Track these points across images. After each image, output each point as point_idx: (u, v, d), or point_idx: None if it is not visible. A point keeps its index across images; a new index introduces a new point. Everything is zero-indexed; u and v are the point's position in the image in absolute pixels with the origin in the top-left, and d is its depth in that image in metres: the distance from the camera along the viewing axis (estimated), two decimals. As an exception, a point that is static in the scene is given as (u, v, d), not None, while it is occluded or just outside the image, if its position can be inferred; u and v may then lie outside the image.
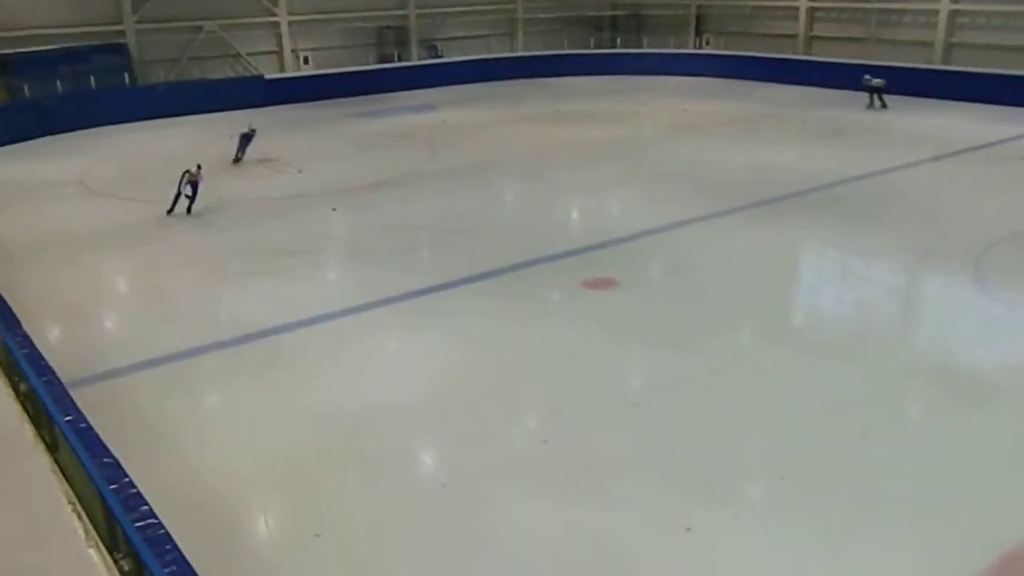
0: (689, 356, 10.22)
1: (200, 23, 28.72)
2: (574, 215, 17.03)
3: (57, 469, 6.95)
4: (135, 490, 5.99)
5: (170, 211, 16.05)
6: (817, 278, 13.75)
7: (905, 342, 11.05)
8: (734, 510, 7.42)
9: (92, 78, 26.35)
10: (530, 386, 9.63)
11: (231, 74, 29.65)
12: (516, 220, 16.54)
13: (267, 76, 29.38)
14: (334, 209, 16.55)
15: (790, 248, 14.48)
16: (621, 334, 10.81)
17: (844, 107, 25.83)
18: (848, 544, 6.86)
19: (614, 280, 12.60)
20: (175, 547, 5.41)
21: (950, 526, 7.09)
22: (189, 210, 16.08)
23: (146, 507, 5.80)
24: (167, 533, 5.55)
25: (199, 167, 16.26)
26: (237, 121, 21.96)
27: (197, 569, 5.27)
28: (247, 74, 29.66)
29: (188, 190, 16.01)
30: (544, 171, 19.65)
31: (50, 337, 10.82)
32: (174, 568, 5.20)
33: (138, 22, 27.63)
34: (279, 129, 24.15)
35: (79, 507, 6.35)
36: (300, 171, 19.64)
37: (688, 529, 7.06)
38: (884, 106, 25.62)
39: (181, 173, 16.02)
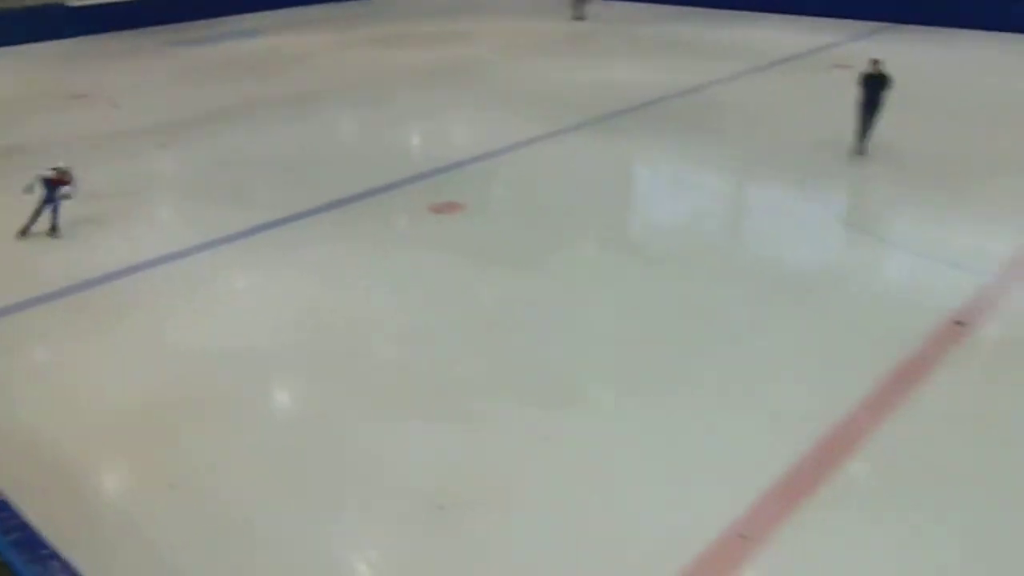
0: (538, 273, 10.47)
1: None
2: (417, 140, 16.80)
3: None
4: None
5: (24, 232, 11.47)
6: (656, 190, 14.39)
7: (737, 247, 11.76)
8: (590, 416, 7.77)
9: None
10: (384, 315, 9.59)
11: (28, 3, 26.84)
12: (358, 148, 16.18)
13: (69, 3, 26.79)
14: (163, 145, 15.58)
15: (629, 162, 14.98)
16: (470, 256, 10.89)
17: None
18: (688, 437, 7.39)
19: (460, 204, 12.60)
20: (14, 513, 5.10)
21: (775, 411, 7.75)
22: (54, 228, 11.49)
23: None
24: (5, 500, 5.22)
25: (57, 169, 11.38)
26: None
27: (50, 530, 5.01)
28: (45, 1, 26.95)
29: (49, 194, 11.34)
30: (384, 96, 19.18)
31: None
32: (17, 535, 4.91)
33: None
34: (88, 62, 22.27)
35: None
36: (117, 106, 18.27)
37: (547, 438, 7.35)
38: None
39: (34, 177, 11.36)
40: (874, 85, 13.76)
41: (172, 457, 7.25)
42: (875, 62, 13.93)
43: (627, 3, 29.92)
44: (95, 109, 18.21)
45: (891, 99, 13.78)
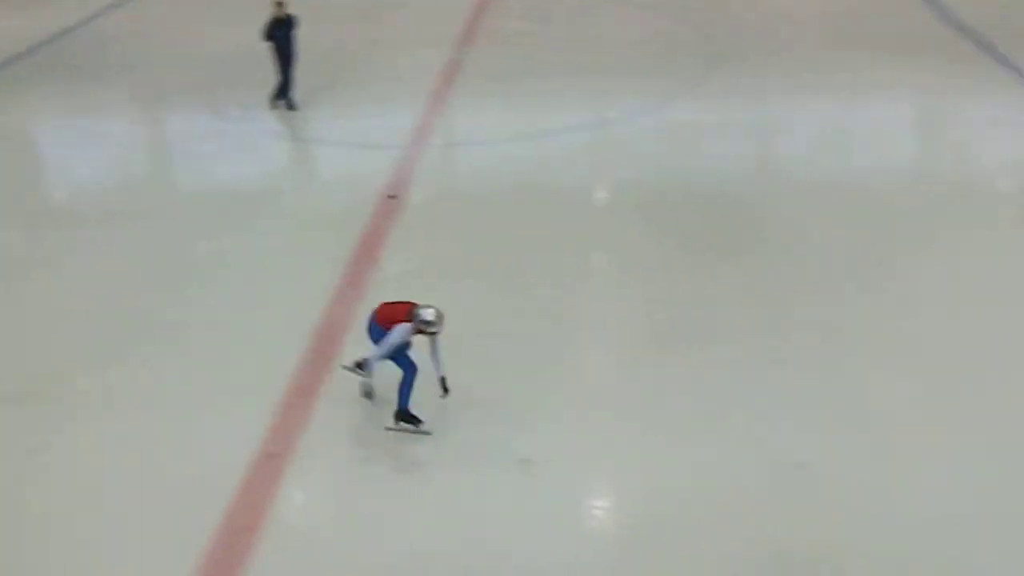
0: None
1: None
2: None
3: None
4: None
5: None
6: (65, 149, 13.01)
7: (173, 188, 11.48)
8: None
9: None
10: None
11: None
12: None
13: None
14: None
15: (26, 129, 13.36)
16: None
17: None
18: (201, 373, 7.33)
19: None
20: None
21: (266, 325, 8.02)
22: None
23: None
24: None
25: None
26: None
27: None
28: None
29: None
30: None
31: None
32: None
33: None
34: None
35: None
36: None
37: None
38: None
39: None
40: (284, 29, 12.27)
41: None
42: (279, 4, 12.23)
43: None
44: None
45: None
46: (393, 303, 6.57)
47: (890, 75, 13.55)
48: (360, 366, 6.54)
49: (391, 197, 10.22)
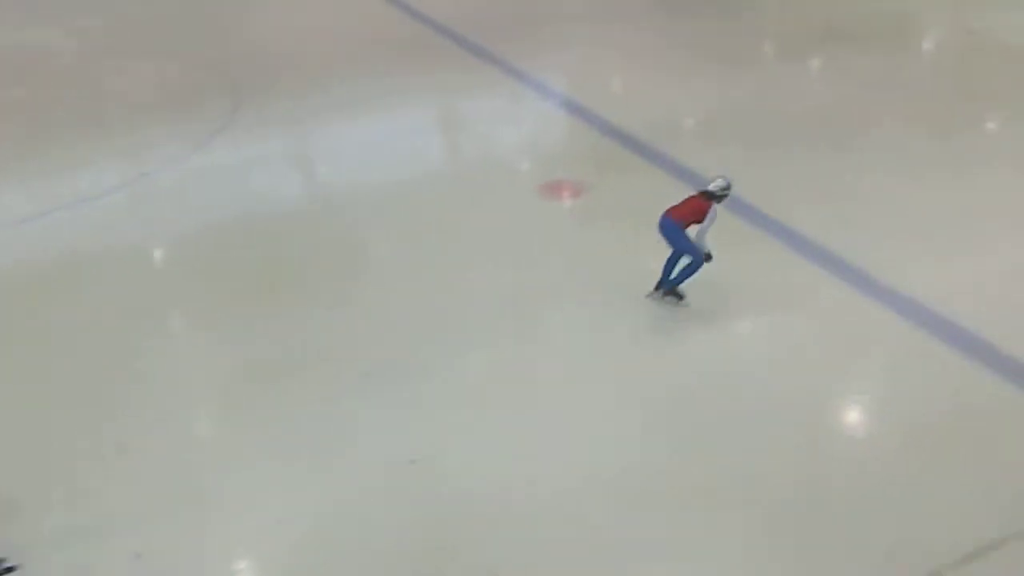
0: None
1: None
2: None
3: None
4: None
5: None
6: None
7: None
8: None
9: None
10: None
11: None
12: None
13: None
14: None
15: None
16: None
17: None
18: None
19: None
20: None
21: None
22: None
23: None
24: None
25: None
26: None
27: None
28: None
29: None
30: None
31: None
32: None
33: None
34: None
35: None
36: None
37: None
38: None
39: None
40: None
41: None
42: None
43: None
44: None
45: None
46: (679, 204, 7.76)
47: (413, 81, 14.62)
48: (673, 294, 8.04)
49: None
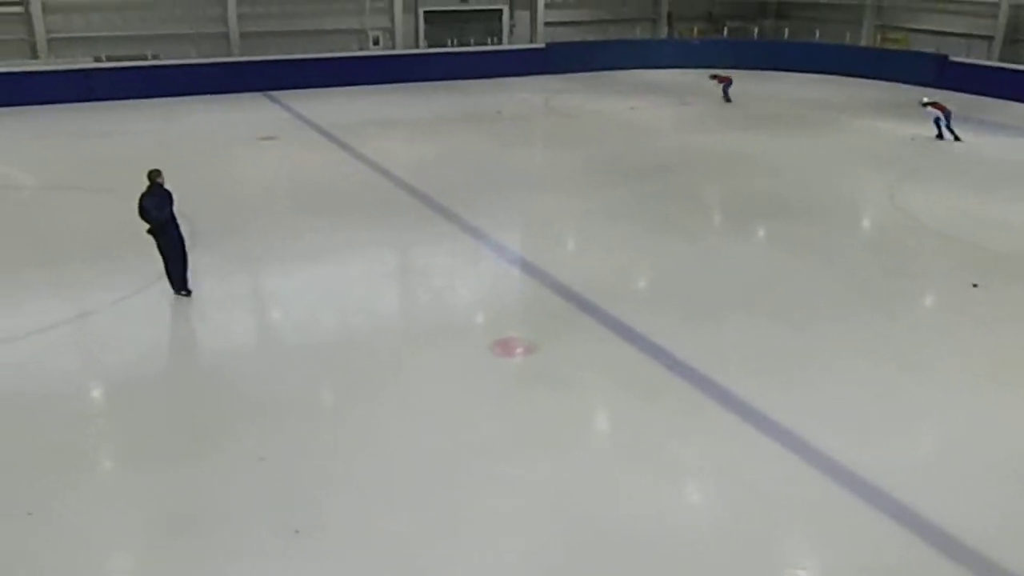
0: None
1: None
2: None
3: None
4: None
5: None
6: None
7: None
8: None
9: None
10: None
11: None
12: None
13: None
14: None
15: None
16: None
17: None
18: None
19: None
20: None
21: None
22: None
23: None
24: None
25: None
26: None
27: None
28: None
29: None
30: None
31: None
32: None
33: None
34: None
35: None
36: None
37: None
38: None
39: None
40: None
41: None
42: None
43: None
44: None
45: None
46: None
47: (366, 236, 14.93)
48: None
49: None
